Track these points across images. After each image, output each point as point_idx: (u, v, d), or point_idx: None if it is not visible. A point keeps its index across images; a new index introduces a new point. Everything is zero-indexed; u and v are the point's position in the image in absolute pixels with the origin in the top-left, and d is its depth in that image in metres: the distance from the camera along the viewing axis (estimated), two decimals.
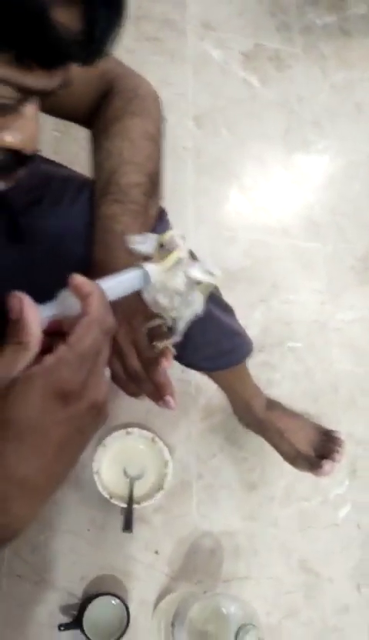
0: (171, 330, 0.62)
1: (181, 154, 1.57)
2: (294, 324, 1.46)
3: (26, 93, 0.46)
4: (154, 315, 0.64)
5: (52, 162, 0.92)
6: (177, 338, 0.62)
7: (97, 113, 0.78)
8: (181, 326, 0.60)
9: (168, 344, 0.64)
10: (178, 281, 0.56)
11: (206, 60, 1.72)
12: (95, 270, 0.71)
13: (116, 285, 0.53)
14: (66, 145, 1.47)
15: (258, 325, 1.43)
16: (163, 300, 0.57)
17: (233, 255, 1.51)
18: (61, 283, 0.81)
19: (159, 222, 0.85)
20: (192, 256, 0.58)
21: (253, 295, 1.47)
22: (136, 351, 0.66)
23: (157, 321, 0.64)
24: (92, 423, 0.46)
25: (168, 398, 0.66)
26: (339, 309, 1.51)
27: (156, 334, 0.65)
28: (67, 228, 0.76)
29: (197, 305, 0.59)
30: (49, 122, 1.59)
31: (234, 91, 1.71)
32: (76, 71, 0.75)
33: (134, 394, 0.69)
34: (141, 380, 0.66)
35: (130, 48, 1.64)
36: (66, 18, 0.41)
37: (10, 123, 0.50)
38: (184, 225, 1.46)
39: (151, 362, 0.65)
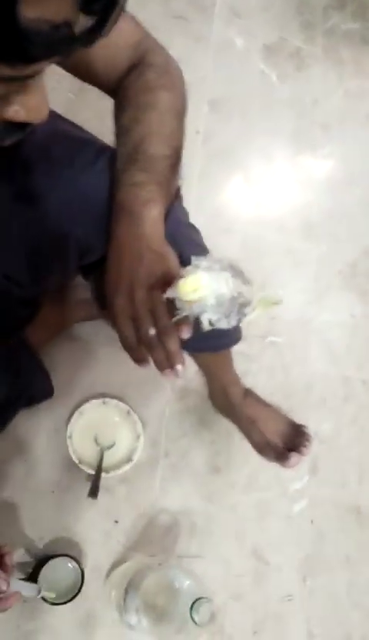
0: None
1: (193, 137, 1.57)
2: (278, 319, 1.49)
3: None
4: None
5: (71, 123, 0.91)
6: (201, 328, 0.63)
7: (124, 82, 0.77)
8: (205, 323, 0.61)
9: (191, 315, 0.63)
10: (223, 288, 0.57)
11: (229, 46, 1.72)
12: (114, 239, 0.71)
13: None
14: (79, 109, 1.45)
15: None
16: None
17: (227, 246, 1.53)
18: (60, 256, 0.81)
19: (177, 199, 0.86)
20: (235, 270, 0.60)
21: None
22: (152, 318, 0.67)
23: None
24: None
25: (179, 366, 0.66)
26: (322, 310, 1.55)
27: (175, 304, 0.65)
28: (78, 194, 0.76)
29: (233, 320, 0.60)
30: (65, 84, 1.58)
31: (251, 82, 1.72)
32: (108, 40, 0.75)
33: (140, 360, 0.69)
34: (153, 346, 0.67)
35: (155, 25, 1.61)
36: (40, 13, 0.37)
37: (13, 96, 0.48)
38: (185, 207, 1.47)
39: (166, 330, 0.66)
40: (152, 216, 0.70)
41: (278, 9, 1.84)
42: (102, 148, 0.79)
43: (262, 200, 1.62)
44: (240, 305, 0.61)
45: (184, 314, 0.61)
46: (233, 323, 0.62)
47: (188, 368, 1.30)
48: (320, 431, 1.42)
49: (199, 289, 0.56)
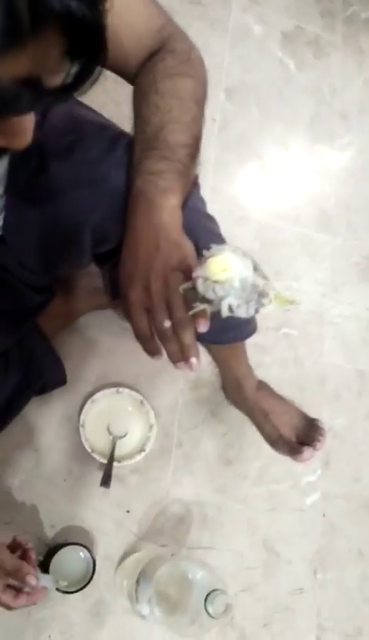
0: (206, 299, 0.61)
1: (209, 125, 1.55)
2: (292, 311, 1.48)
3: None
4: (192, 278, 0.64)
5: (88, 107, 0.89)
6: (211, 309, 0.62)
7: (145, 67, 0.76)
8: (224, 308, 0.60)
9: (207, 308, 0.62)
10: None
11: (246, 34, 1.70)
12: (130, 228, 0.70)
13: None
14: (95, 94, 1.42)
15: None
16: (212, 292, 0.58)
17: (243, 235, 1.51)
18: (75, 243, 0.80)
19: (195, 188, 0.85)
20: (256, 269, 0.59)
21: None
22: (168, 309, 0.65)
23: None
24: None
25: (194, 359, 0.65)
26: (337, 303, 1.53)
27: (191, 296, 0.64)
28: (95, 181, 0.75)
29: (252, 309, 0.60)
30: None
31: (268, 70, 1.69)
32: (130, 26, 0.73)
33: (152, 351, 0.68)
34: (168, 338, 0.65)
35: (174, 9, 1.60)
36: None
37: None
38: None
39: (182, 322, 0.64)
40: (170, 205, 0.69)
41: None
42: (119, 134, 0.77)
43: (278, 189, 1.60)
44: (259, 295, 0.60)
45: (208, 295, 0.60)
46: (251, 312, 0.61)
47: (201, 359, 1.29)
48: (333, 425, 1.41)
49: (228, 269, 0.55)
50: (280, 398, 1.23)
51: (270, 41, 1.72)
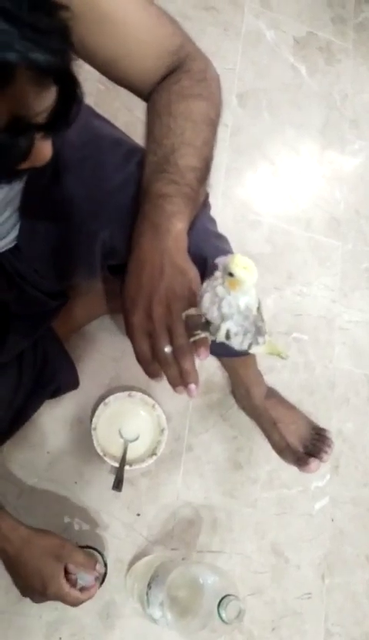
0: (208, 324, 0.62)
1: (220, 130, 1.55)
2: (303, 316, 1.48)
3: None
4: (195, 304, 0.64)
5: (103, 119, 0.89)
6: (212, 337, 0.62)
7: (160, 86, 0.76)
8: (222, 332, 0.60)
9: (210, 337, 0.63)
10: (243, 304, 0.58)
11: (258, 39, 1.70)
12: (136, 250, 0.70)
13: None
14: (109, 100, 1.45)
15: (269, 311, 1.45)
16: (216, 312, 0.59)
17: (254, 239, 1.52)
18: (85, 255, 0.81)
19: (205, 208, 0.85)
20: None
21: (268, 281, 1.48)
22: (169, 335, 0.66)
23: (197, 311, 0.63)
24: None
25: (193, 386, 0.66)
26: (347, 309, 1.54)
27: (193, 323, 0.65)
28: (106, 196, 0.75)
29: (246, 342, 0.61)
30: (95, 74, 1.57)
31: (280, 76, 1.70)
32: (146, 46, 0.74)
33: (153, 375, 0.69)
34: (168, 364, 0.66)
35: (187, 15, 1.62)
36: None
37: None
38: (213, 201, 1.46)
39: (183, 349, 0.65)
40: (176, 230, 0.68)
41: (309, 2, 1.81)
42: (132, 150, 0.77)
43: (289, 195, 1.60)
44: (256, 330, 0.61)
45: (211, 314, 0.60)
46: (244, 345, 0.61)
47: (211, 363, 1.31)
48: (343, 430, 1.42)
49: (248, 268, 0.55)
50: (290, 407, 1.24)
51: (282, 47, 1.73)
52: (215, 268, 0.60)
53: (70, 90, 0.42)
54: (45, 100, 0.41)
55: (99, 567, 0.99)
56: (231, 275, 0.56)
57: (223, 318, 0.59)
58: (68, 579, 0.94)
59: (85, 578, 0.96)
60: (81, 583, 0.96)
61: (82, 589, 0.96)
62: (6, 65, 0.36)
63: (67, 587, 0.93)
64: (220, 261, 0.59)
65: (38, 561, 0.92)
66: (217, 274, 0.58)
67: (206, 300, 0.59)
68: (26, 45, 0.35)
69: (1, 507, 0.95)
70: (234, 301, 0.58)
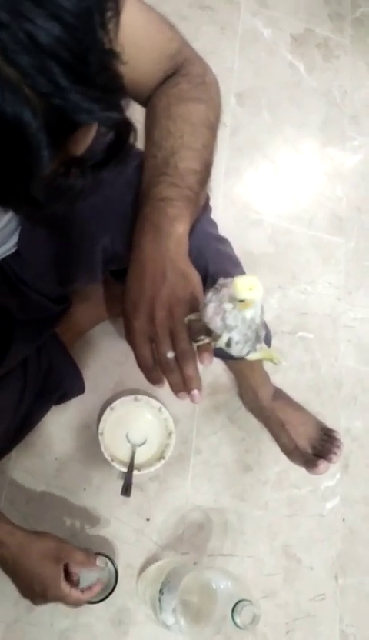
0: (210, 330, 0.61)
1: (219, 130, 1.55)
2: (308, 315, 1.47)
3: None
4: (197, 309, 0.63)
5: None
6: (215, 344, 0.62)
7: (158, 90, 0.75)
8: (223, 339, 0.60)
9: (212, 342, 0.62)
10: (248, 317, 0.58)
11: (255, 37, 1.70)
12: (137, 254, 0.69)
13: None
14: None
15: (273, 311, 1.44)
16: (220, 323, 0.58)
17: (257, 239, 1.51)
18: (86, 260, 0.80)
19: (205, 211, 0.84)
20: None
21: (272, 281, 1.47)
22: (171, 340, 0.65)
23: (198, 316, 0.63)
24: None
25: (196, 392, 0.65)
26: (352, 307, 1.52)
27: (196, 328, 0.64)
28: (106, 201, 0.74)
29: (245, 350, 0.60)
30: None
31: (279, 74, 1.69)
32: (144, 51, 0.73)
33: (155, 381, 0.68)
34: (170, 369, 0.65)
35: (183, 15, 1.61)
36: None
37: None
38: (214, 202, 1.45)
39: (185, 354, 0.64)
40: (178, 233, 0.68)
41: None
42: (132, 153, 0.77)
43: (290, 193, 1.59)
44: (257, 338, 0.60)
45: (214, 324, 0.59)
46: (243, 353, 0.61)
47: (217, 364, 1.29)
48: (351, 429, 1.41)
49: (254, 288, 0.54)
50: (297, 408, 1.22)
51: (279, 45, 1.72)
52: (218, 279, 0.60)
53: (125, 133, 0.42)
54: (101, 143, 0.42)
55: (99, 562, 0.98)
56: (240, 300, 0.55)
57: (226, 329, 0.58)
58: (69, 579, 0.93)
59: (87, 577, 0.96)
60: (84, 584, 0.96)
61: (84, 589, 0.95)
62: (74, 124, 0.36)
63: (67, 588, 0.91)
64: (222, 283, 0.59)
65: (37, 564, 0.91)
66: (225, 291, 0.58)
67: (209, 310, 0.59)
68: (92, 106, 0.35)
69: None
70: (239, 315, 0.57)
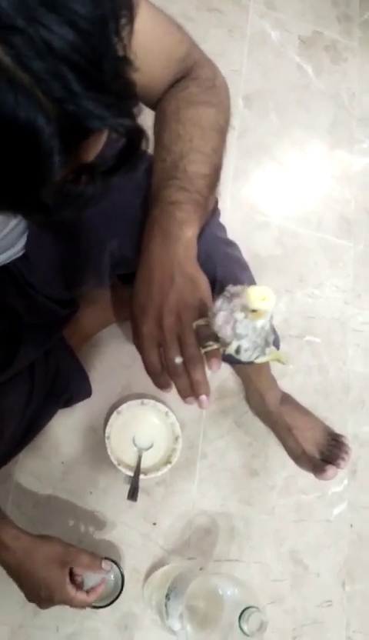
0: (218, 337, 0.60)
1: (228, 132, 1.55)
2: (316, 319, 1.46)
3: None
4: (205, 314, 0.63)
5: None
6: (224, 351, 0.61)
7: (168, 94, 0.75)
8: (233, 346, 0.59)
9: (220, 347, 0.62)
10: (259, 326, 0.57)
11: (263, 39, 1.69)
12: (146, 258, 0.68)
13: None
14: None
15: (281, 314, 1.43)
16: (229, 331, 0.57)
17: (264, 241, 1.50)
18: (93, 265, 0.79)
19: (214, 215, 0.83)
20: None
21: (279, 284, 1.46)
22: (179, 345, 0.65)
23: (207, 322, 0.62)
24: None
25: (204, 397, 0.65)
26: (361, 311, 1.51)
27: (204, 333, 0.63)
28: (115, 205, 0.73)
29: (254, 355, 0.60)
30: None
31: (287, 76, 1.68)
32: (154, 55, 0.72)
33: (163, 386, 0.67)
34: (178, 374, 0.65)
35: (191, 17, 1.60)
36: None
37: None
38: (221, 204, 1.45)
39: (193, 359, 0.64)
40: (186, 237, 0.67)
41: (313, 1, 1.80)
42: (141, 157, 0.77)
43: (298, 196, 1.58)
44: (265, 344, 0.60)
45: (223, 332, 0.58)
46: (252, 358, 0.60)
47: (224, 368, 1.28)
48: (359, 433, 1.40)
49: (267, 298, 0.54)
50: (305, 412, 1.22)
51: (287, 47, 1.71)
52: (226, 285, 0.59)
53: (137, 140, 0.42)
54: (111, 150, 0.41)
55: (105, 565, 0.98)
56: (253, 310, 0.55)
57: (236, 337, 0.58)
58: (73, 581, 0.93)
59: (92, 578, 0.97)
60: (89, 584, 0.96)
61: (89, 590, 0.95)
62: (86, 130, 0.35)
63: (73, 592, 0.92)
64: (233, 292, 0.58)
65: (43, 569, 0.91)
66: (237, 301, 0.57)
67: (220, 319, 0.58)
68: (105, 112, 0.35)
69: (3, 516, 0.94)
70: (251, 324, 0.57)
